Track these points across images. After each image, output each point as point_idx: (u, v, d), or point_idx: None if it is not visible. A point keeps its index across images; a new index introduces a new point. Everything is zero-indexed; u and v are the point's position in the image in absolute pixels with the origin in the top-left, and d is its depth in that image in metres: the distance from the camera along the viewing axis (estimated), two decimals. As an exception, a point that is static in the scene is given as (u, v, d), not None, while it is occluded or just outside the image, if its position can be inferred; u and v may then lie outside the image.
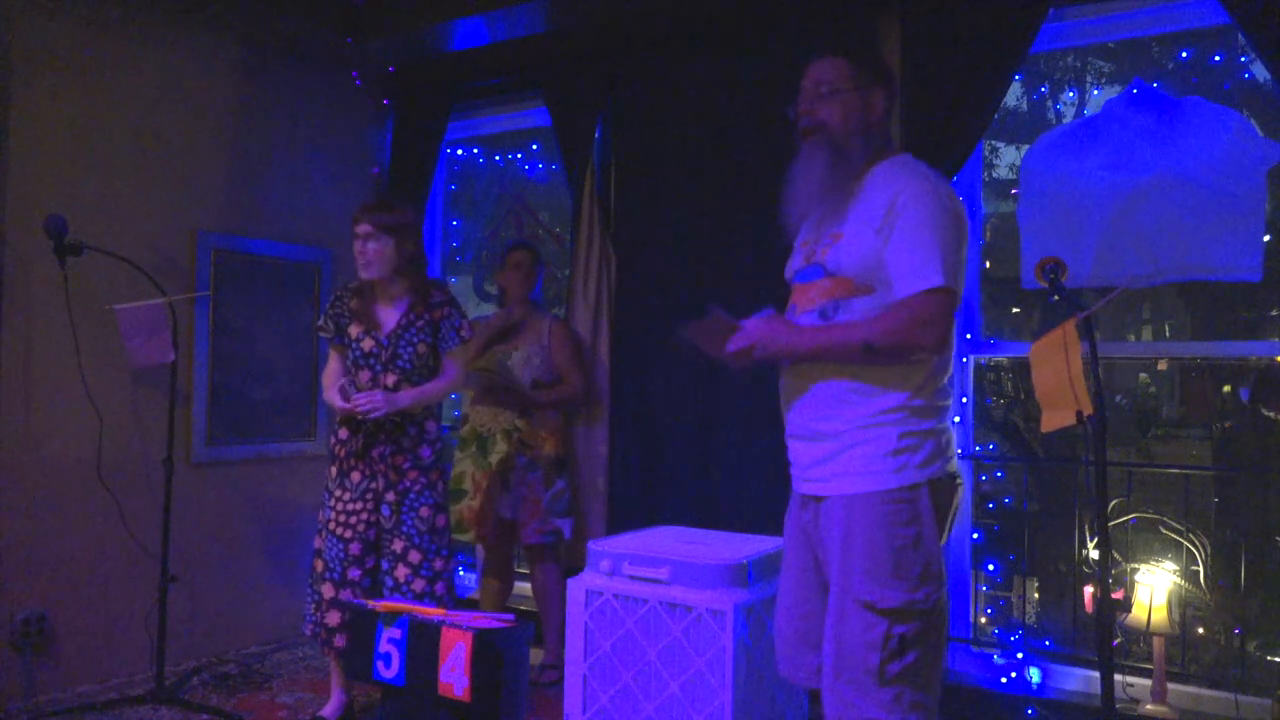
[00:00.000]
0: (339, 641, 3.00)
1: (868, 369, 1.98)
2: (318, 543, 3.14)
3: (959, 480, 2.07)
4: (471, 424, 3.70)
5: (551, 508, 3.61)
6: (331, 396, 3.05)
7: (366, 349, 3.04)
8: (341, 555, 3.04)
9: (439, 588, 3.06)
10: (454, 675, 2.55)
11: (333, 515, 3.07)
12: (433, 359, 3.10)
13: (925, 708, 1.94)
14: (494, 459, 3.61)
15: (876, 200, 1.99)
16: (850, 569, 1.97)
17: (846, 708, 1.94)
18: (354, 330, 3.06)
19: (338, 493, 3.07)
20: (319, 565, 3.11)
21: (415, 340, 3.05)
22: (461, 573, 4.58)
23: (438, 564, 3.08)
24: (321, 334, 3.16)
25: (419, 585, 3.03)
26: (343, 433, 3.08)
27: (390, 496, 3.04)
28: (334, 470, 3.10)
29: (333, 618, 3.03)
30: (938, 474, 1.99)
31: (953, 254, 1.93)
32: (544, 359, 3.67)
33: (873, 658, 1.91)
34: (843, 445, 2.01)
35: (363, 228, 3.01)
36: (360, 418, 2.98)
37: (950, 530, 2.07)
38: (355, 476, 3.05)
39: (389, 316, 3.08)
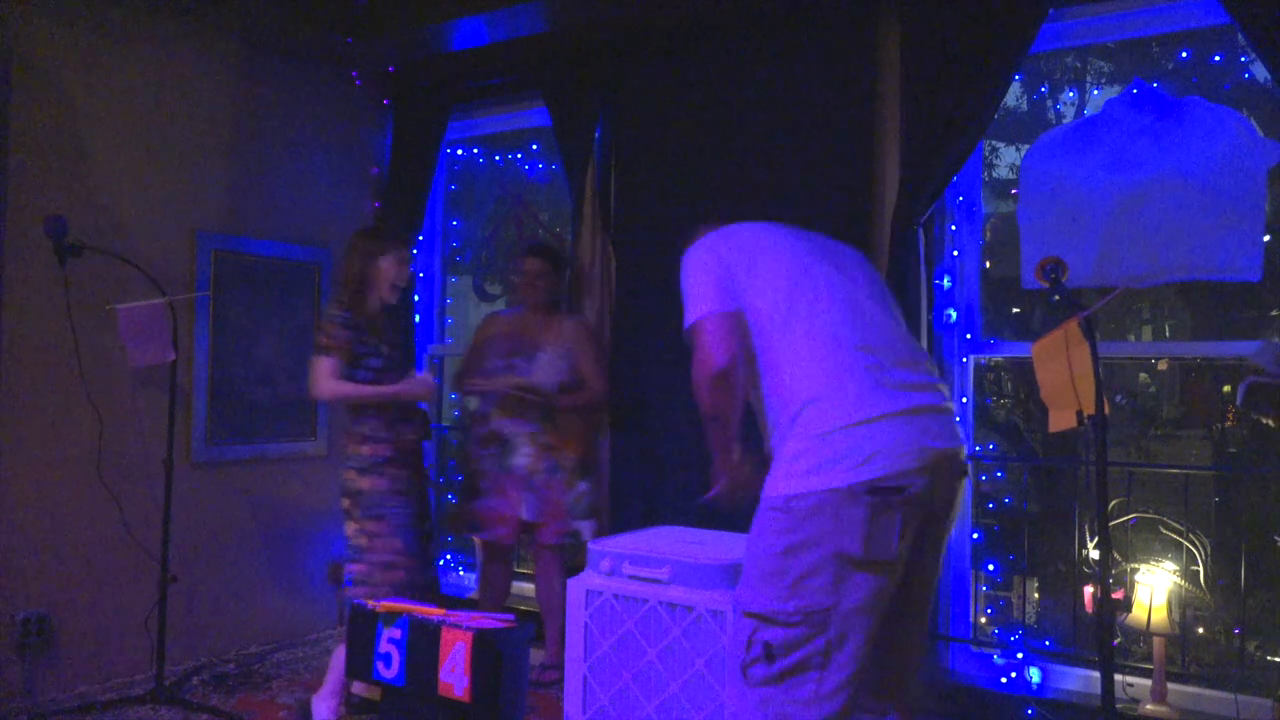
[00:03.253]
0: None
1: (762, 399, 2.09)
2: (396, 555, 3.04)
3: (862, 492, 1.86)
4: (493, 427, 3.65)
5: (573, 510, 3.59)
6: (415, 388, 3.11)
7: (386, 352, 3.15)
8: (419, 554, 3.12)
9: None
10: (454, 675, 2.55)
11: (414, 511, 3.11)
12: None
13: None
14: (516, 462, 3.59)
15: None
16: (743, 571, 2.05)
17: (731, 701, 2.01)
18: (370, 339, 3.11)
19: (410, 490, 3.12)
20: (413, 564, 3.07)
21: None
22: (461, 572, 4.58)
23: None
24: (346, 347, 3.06)
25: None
26: (396, 433, 3.11)
27: (423, 486, 3.22)
28: (405, 472, 3.11)
29: None
30: (832, 484, 1.87)
31: (699, 288, 2.12)
32: (568, 363, 3.64)
33: (741, 658, 1.96)
34: (772, 460, 2.08)
35: (408, 255, 3.20)
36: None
37: (876, 542, 1.87)
38: (412, 473, 3.15)
39: (384, 324, 3.21)
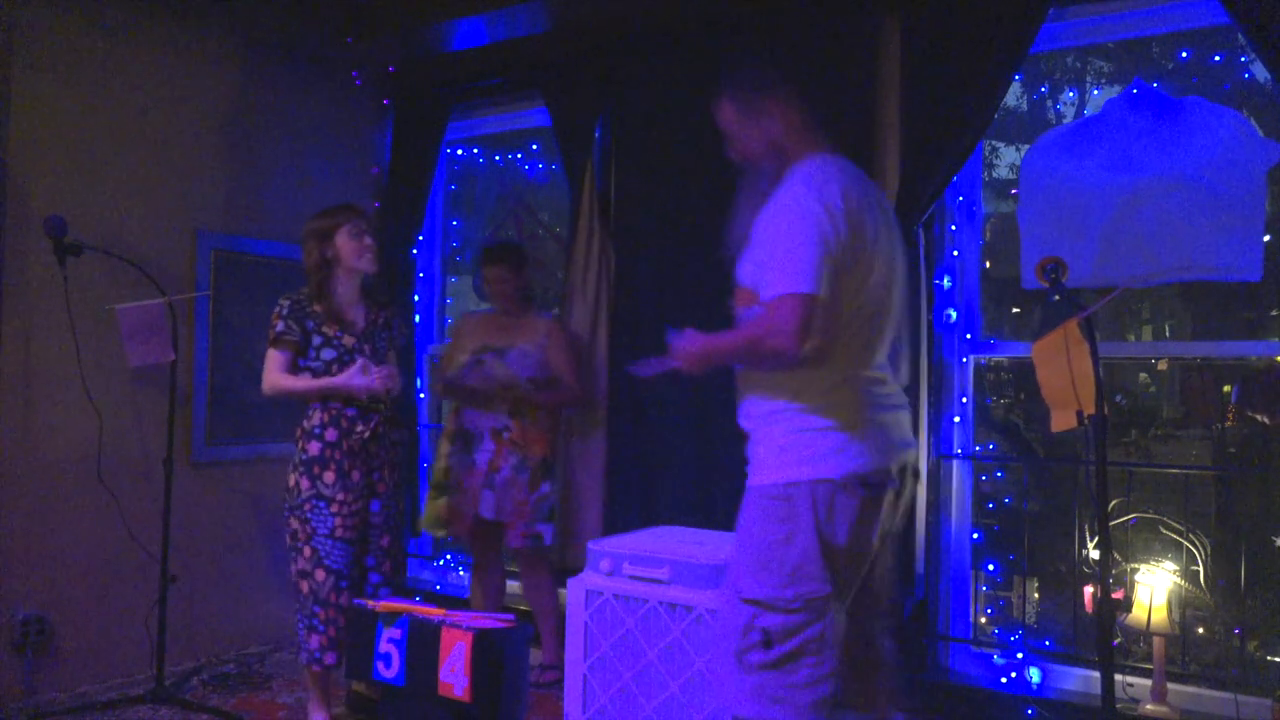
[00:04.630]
0: None
1: (766, 376, 2.05)
2: (305, 563, 2.99)
3: (855, 484, 1.94)
4: (461, 422, 3.67)
5: (536, 511, 3.58)
6: (353, 380, 2.95)
7: (348, 345, 3.05)
8: (350, 560, 3.02)
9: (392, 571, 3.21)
10: (454, 675, 2.55)
11: (337, 522, 2.97)
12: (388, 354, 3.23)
13: (794, 706, 1.93)
14: (477, 457, 3.60)
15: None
16: (732, 557, 2.07)
17: (718, 689, 2.05)
18: (328, 330, 3.04)
19: (341, 496, 2.98)
20: (324, 579, 2.96)
21: (381, 336, 3.17)
22: (461, 572, 4.58)
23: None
24: (286, 338, 3.00)
25: (389, 573, 3.15)
26: (331, 433, 3.00)
27: (382, 489, 3.10)
28: (331, 475, 2.97)
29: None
30: (827, 474, 1.94)
31: (807, 259, 1.89)
32: (539, 359, 3.64)
33: (736, 645, 1.98)
34: (753, 440, 2.11)
35: (363, 224, 3.07)
36: (383, 398, 3.05)
37: (860, 535, 1.96)
38: (355, 475, 3.02)
39: (356, 316, 3.12)
